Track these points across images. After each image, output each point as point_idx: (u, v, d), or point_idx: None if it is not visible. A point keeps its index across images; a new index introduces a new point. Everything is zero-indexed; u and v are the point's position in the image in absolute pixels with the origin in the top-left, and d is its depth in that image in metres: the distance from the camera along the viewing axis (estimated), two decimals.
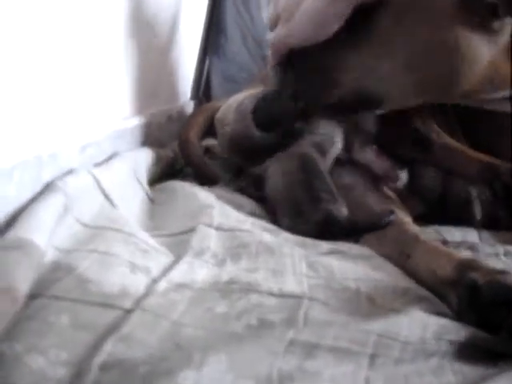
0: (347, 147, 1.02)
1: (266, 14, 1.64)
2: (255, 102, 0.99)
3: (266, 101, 0.96)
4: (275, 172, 0.94)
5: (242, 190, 1.03)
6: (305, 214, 0.85)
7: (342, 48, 0.76)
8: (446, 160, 0.98)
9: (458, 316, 0.60)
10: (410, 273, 0.71)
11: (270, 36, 0.80)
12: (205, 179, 1.09)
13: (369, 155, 1.00)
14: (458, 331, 0.56)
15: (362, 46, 0.75)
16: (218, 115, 1.14)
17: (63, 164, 0.74)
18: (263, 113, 0.98)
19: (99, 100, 0.88)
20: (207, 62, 1.71)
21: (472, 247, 0.86)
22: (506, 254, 0.85)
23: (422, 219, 0.96)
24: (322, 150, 0.95)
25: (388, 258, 0.75)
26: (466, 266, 0.64)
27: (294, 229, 0.84)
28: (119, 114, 0.99)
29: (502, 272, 0.61)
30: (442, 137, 1.00)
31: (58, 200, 0.66)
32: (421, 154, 1.00)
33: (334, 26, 0.73)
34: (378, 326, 0.55)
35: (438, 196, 1.00)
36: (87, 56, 0.82)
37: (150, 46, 1.13)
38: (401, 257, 0.73)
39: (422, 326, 0.56)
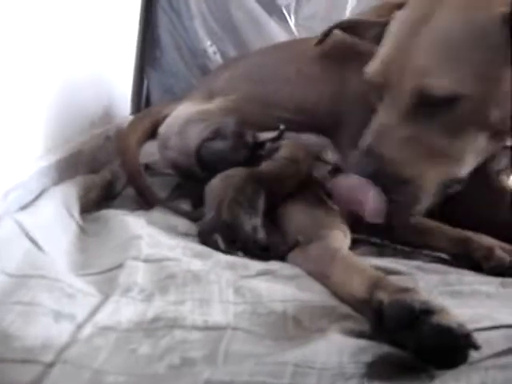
0: None
1: (198, 23, 1.65)
2: (199, 141, 1.00)
3: (211, 146, 0.99)
4: (221, 174, 0.96)
5: (177, 210, 1.04)
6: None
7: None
8: (413, 237, 0.98)
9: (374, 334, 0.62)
10: (332, 293, 0.72)
11: None
12: (142, 198, 1.09)
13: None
14: (374, 351, 0.58)
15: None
16: (162, 131, 1.13)
17: None
18: (207, 158, 1.00)
19: (18, 139, 0.87)
20: (145, 76, 1.71)
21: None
22: None
23: None
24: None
25: (312, 276, 0.77)
26: (375, 285, 0.66)
27: (213, 224, 0.88)
28: (42, 150, 0.97)
29: (406, 290, 0.63)
30: None
31: None
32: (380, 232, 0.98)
33: None
34: (294, 355, 0.56)
35: None
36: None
37: (76, 68, 1.12)
38: (322, 277, 0.75)
39: (339, 350, 0.57)
